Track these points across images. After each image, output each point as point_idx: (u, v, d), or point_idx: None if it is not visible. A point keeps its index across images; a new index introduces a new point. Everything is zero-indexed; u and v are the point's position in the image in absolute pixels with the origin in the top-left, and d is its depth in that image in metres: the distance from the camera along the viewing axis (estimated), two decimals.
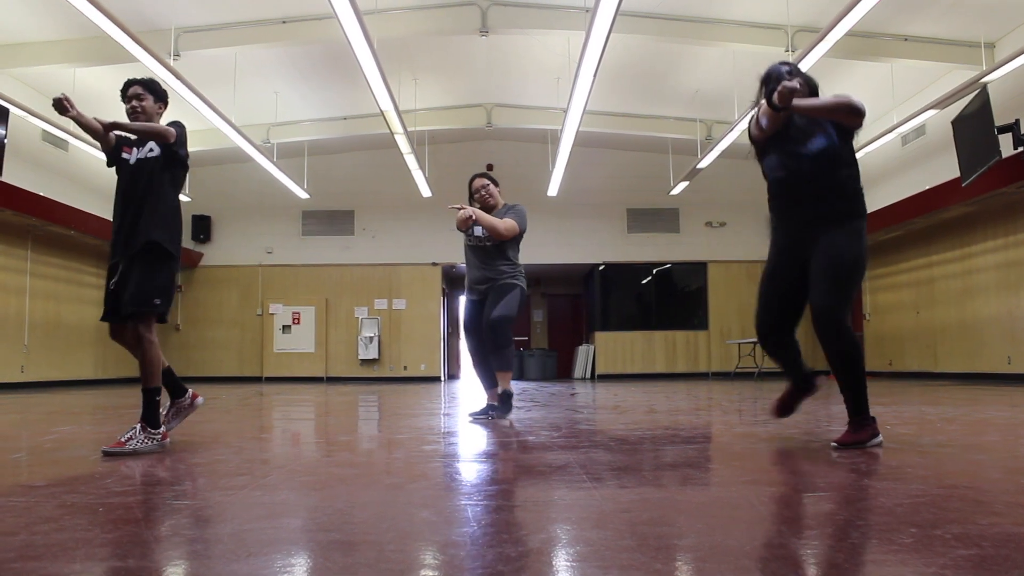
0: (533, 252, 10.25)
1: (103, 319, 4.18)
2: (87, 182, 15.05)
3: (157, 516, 2.39)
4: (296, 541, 2.05)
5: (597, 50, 9.13)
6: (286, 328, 18.79)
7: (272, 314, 18.77)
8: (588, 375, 19.39)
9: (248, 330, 18.85)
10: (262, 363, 18.65)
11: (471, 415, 6.02)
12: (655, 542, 2.01)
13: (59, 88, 13.28)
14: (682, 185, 16.82)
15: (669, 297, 19.79)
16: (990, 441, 4.15)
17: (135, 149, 4.15)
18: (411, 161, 14.72)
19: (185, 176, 4.32)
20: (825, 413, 6.21)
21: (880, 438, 3.77)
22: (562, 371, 21.39)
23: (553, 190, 16.44)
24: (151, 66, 10.01)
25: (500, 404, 5.87)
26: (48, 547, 1.90)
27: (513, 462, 3.60)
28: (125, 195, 4.08)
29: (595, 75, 9.97)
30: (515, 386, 13.94)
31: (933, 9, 11.06)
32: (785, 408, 4.28)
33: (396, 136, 13.17)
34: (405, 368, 18.90)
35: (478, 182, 6.19)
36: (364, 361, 18.83)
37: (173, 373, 4.36)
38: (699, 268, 19.28)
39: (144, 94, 4.17)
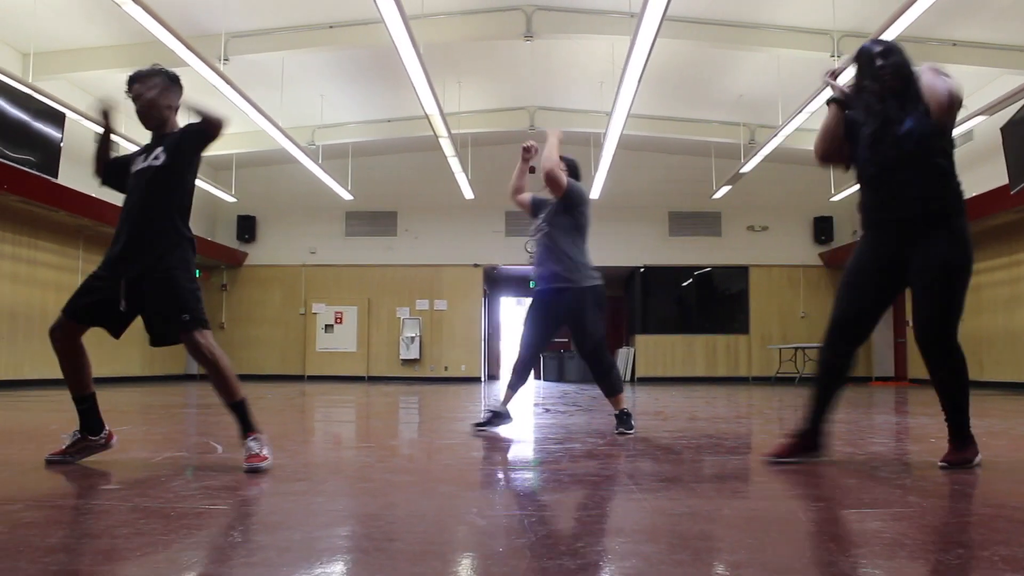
0: None
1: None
2: None
3: (228, 522, 2.50)
4: (363, 549, 2.14)
5: (642, 56, 9.16)
6: (328, 327, 19.02)
7: (315, 313, 19.01)
8: (628, 378, 19.39)
9: (291, 329, 19.11)
10: (304, 362, 18.90)
11: (475, 425, 5.56)
12: (707, 557, 2.09)
13: (113, 92, 13.59)
14: (724, 189, 16.78)
15: (710, 301, 19.74)
16: None
17: (139, 159, 3.75)
18: (455, 164, 14.86)
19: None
20: (868, 423, 6.20)
21: (980, 457, 3.62)
22: None
23: (595, 193, 16.46)
24: (200, 70, 10.23)
25: (619, 422, 5.24)
26: (131, 551, 2.01)
27: (562, 471, 3.67)
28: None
29: (640, 80, 10.01)
30: (556, 388, 14.02)
31: (983, 14, 10.93)
32: (783, 455, 3.79)
33: (440, 140, 13.30)
34: (446, 368, 19.04)
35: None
36: (405, 361, 19.00)
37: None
38: (740, 272, 19.20)
39: (143, 91, 3.67)
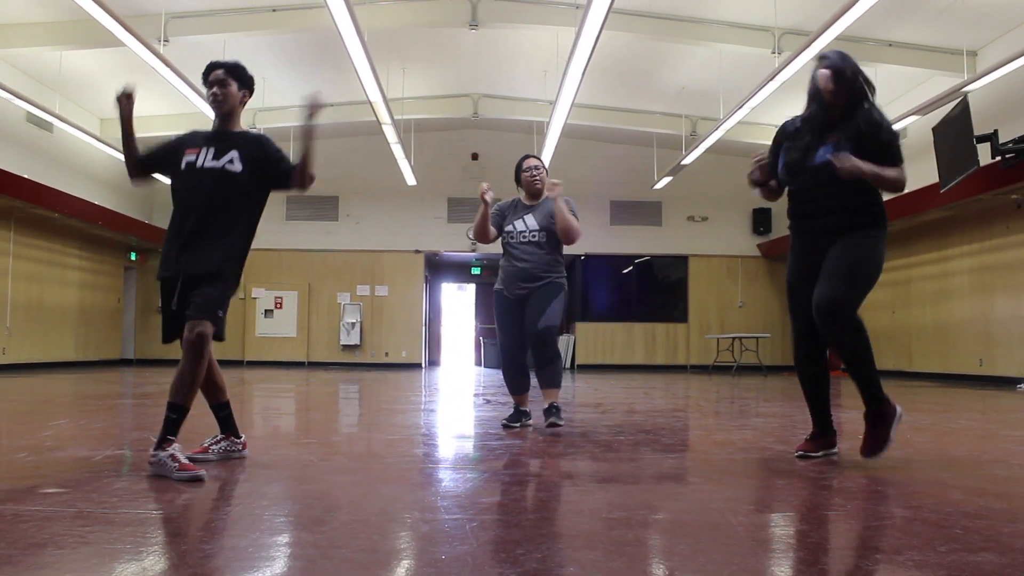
0: None
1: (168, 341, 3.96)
2: (71, 164, 15.03)
3: (174, 529, 2.52)
4: (309, 557, 2.18)
5: (587, 47, 9.24)
6: (268, 312, 18.85)
7: (255, 298, 18.81)
8: (567, 365, 19.57)
9: (230, 313, 18.64)
10: (244, 347, 18.69)
11: (504, 422, 5.48)
12: (642, 564, 2.18)
13: (45, 69, 13.33)
14: (666, 179, 17.00)
15: (650, 289, 20.01)
16: (957, 456, 4.32)
17: (203, 151, 3.76)
18: (397, 151, 14.82)
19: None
20: (803, 418, 6.39)
21: (900, 412, 3.72)
22: None
23: None
24: (139, 51, 10.04)
25: (552, 415, 5.20)
26: (77, 562, 2.03)
27: (502, 471, 3.75)
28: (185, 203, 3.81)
29: (584, 71, 10.09)
30: (496, 376, 14.09)
31: (919, 15, 11.23)
32: (807, 452, 3.98)
33: (384, 127, 13.25)
34: (387, 354, 19.02)
35: (533, 162, 5.62)
36: (346, 347, 18.92)
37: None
38: (680, 262, 19.48)
39: (227, 79, 3.75)
